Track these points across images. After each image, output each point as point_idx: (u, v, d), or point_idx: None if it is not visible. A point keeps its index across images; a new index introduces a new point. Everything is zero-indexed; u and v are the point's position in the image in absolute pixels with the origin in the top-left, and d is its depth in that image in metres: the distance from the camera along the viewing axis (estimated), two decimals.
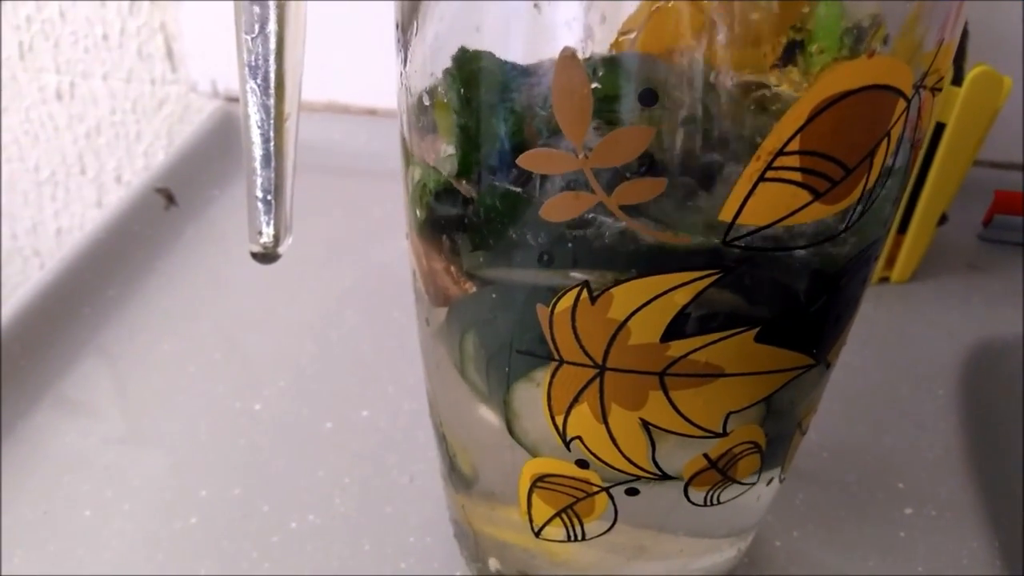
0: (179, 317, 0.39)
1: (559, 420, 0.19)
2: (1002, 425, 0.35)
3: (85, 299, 0.39)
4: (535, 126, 0.16)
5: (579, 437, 0.19)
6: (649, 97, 0.15)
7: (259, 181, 0.19)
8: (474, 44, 0.16)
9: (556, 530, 0.22)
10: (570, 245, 0.17)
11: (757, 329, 0.18)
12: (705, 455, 0.20)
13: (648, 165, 0.15)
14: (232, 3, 0.17)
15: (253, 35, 0.17)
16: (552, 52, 0.15)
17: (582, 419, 0.19)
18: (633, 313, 0.17)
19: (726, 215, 0.16)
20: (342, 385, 0.36)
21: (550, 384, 0.19)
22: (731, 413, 0.19)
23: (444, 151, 0.18)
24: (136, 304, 0.40)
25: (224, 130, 0.53)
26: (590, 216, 0.16)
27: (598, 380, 0.18)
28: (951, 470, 0.32)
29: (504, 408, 0.20)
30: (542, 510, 0.22)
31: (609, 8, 0.15)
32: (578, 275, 0.17)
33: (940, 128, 0.38)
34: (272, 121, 0.18)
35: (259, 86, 0.18)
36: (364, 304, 0.40)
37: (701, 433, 0.19)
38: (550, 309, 0.17)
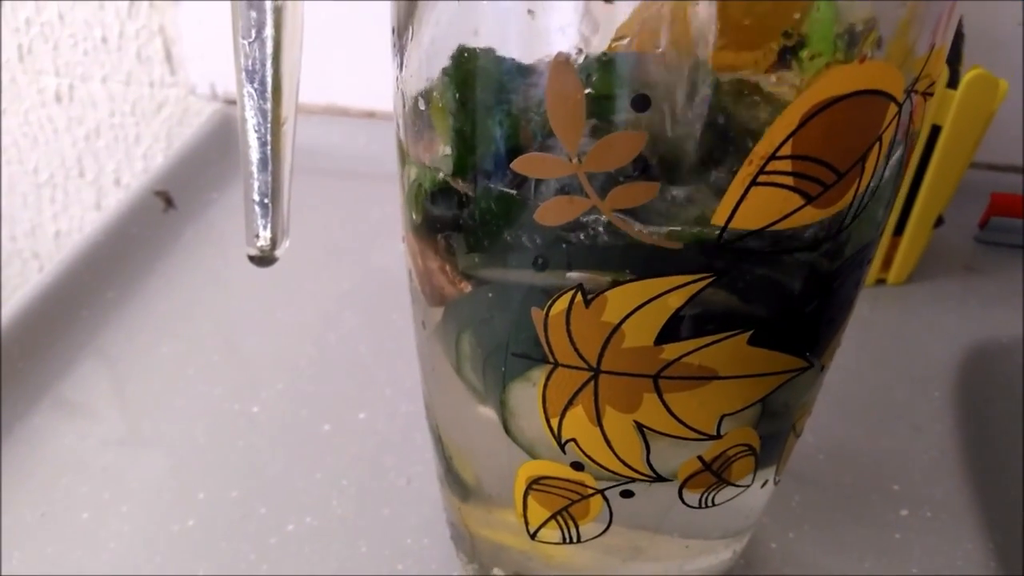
0: (178, 319, 0.39)
1: (554, 423, 0.19)
2: (998, 427, 0.35)
3: (84, 301, 0.39)
4: (531, 129, 0.16)
5: (574, 439, 0.19)
6: (642, 103, 0.15)
7: (256, 185, 0.19)
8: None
9: (552, 532, 0.22)
10: (564, 247, 0.17)
11: (751, 332, 0.18)
12: (699, 457, 0.20)
13: (641, 169, 0.16)
14: (230, 7, 0.17)
15: (250, 40, 0.17)
16: (547, 57, 0.15)
17: (577, 422, 0.19)
18: (627, 316, 0.17)
19: (719, 219, 0.16)
20: (340, 387, 0.36)
21: (545, 387, 0.19)
22: (725, 415, 0.19)
23: (441, 151, 0.18)
24: (135, 306, 0.40)
25: (223, 133, 0.53)
26: (584, 219, 0.16)
27: (592, 383, 0.18)
28: (947, 472, 0.33)
29: (500, 407, 0.20)
30: (538, 512, 0.22)
31: (603, 14, 0.15)
32: (573, 276, 0.17)
33: (936, 131, 0.38)
34: (269, 125, 0.18)
35: (256, 90, 0.18)
36: (362, 307, 0.40)
37: (695, 435, 0.19)
38: (545, 312, 0.17)
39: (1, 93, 0.58)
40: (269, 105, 0.18)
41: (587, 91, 0.15)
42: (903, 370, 0.37)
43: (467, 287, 0.19)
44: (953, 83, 0.37)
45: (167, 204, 0.46)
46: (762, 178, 0.15)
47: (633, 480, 0.20)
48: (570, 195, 0.16)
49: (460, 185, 0.17)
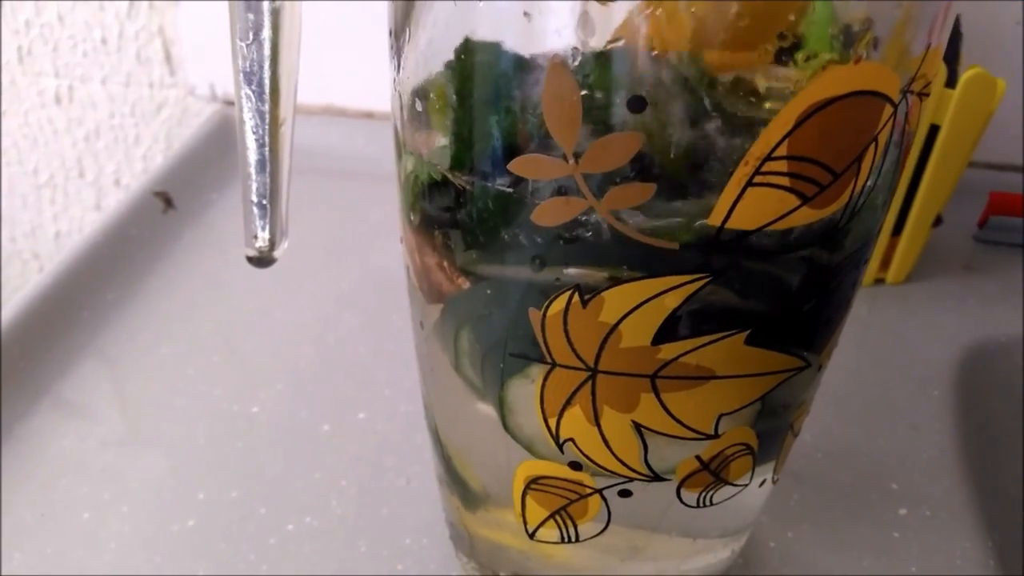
0: (177, 320, 0.39)
1: (552, 422, 0.19)
2: (997, 426, 0.35)
3: (84, 302, 0.39)
4: (529, 126, 0.16)
5: (572, 439, 0.20)
6: (638, 104, 0.15)
7: (254, 186, 0.19)
8: None
9: (550, 532, 0.22)
10: (562, 246, 0.17)
11: (748, 332, 0.18)
12: (697, 457, 0.20)
13: (638, 170, 0.16)
14: (228, 9, 0.17)
15: (248, 41, 0.17)
16: (548, 52, 0.15)
17: (575, 421, 0.19)
18: (624, 316, 0.17)
19: (715, 219, 0.16)
20: (340, 388, 0.36)
21: (543, 387, 0.19)
22: (723, 415, 0.19)
23: (438, 143, 0.18)
24: (135, 307, 0.40)
25: (222, 133, 0.53)
26: (581, 220, 0.16)
27: (590, 383, 0.18)
28: (945, 471, 0.33)
29: (499, 403, 0.20)
30: (536, 512, 0.22)
31: (599, 16, 0.15)
32: (571, 273, 0.17)
33: (934, 130, 0.38)
34: (267, 127, 0.18)
35: (254, 92, 0.18)
36: (362, 307, 0.40)
37: (693, 435, 0.19)
38: (542, 312, 0.18)
39: (1, 95, 0.58)
40: (267, 107, 0.18)
41: (583, 92, 0.15)
42: (902, 369, 0.37)
43: (465, 283, 0.19)
44: (951, 82, 0.37)
45: (167, 205, 0.47)
46: (758, 179, 0.16)
47: (631, 479, 0.20)
48: (567, 196, 0.16)
49: (457, 179, 0.17)
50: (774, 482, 0.24)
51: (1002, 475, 0.33)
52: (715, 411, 0.19)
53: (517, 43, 0.15)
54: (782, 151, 0.15)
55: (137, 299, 0.40)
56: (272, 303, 0.41)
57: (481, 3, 0.15)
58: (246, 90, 0.18)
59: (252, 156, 0.19)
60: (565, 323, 0.17)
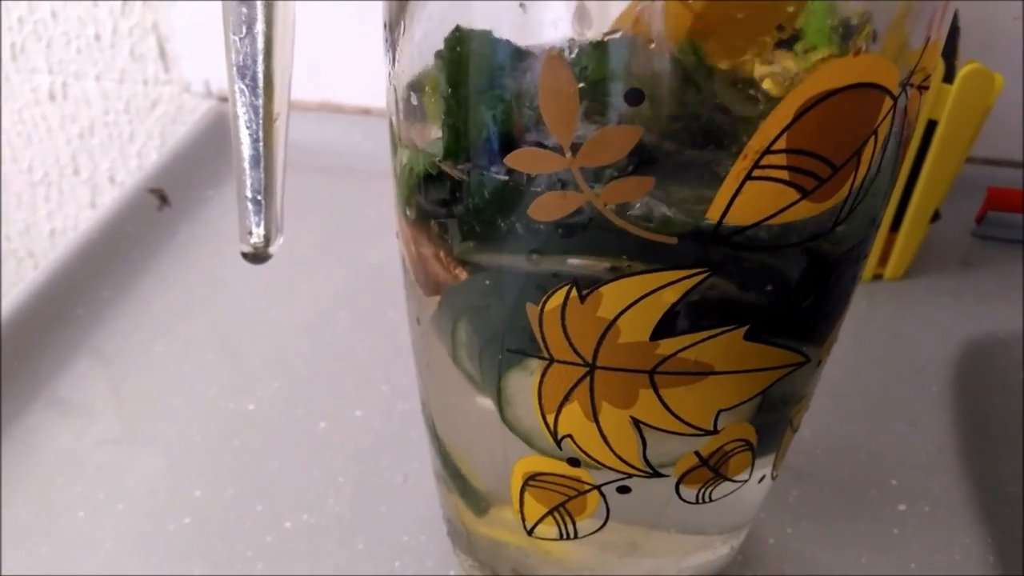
0: (173, 318, 0.39)
1: (550, 419, 0.19)
2: (995, 422, 0.35)
3: (79, 300, 0.39)
4: (523, 118, 0.16)
5: (570, 435, 0.19)
6: (636, 96, 0.15)
7: (248, 182, 0.19)
8: None
9: (548, 528, 0.22)
10: (559, 237, 0.17)
11: (747, 327, 0.18)
12: (696, 453, 0.20)
13: (635, 164, 0.15)
14: (221, 3, 0.17)
15: (241, 36, 0.17)
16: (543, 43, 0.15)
17: (573, 417, 0.19)
18: (622, 312, 0.17)
19: (714, 213, 0.16)
20: (336, 385, 0.36)
21: (540, 383, 0.19)
22: (721, 411, 0.19)
23: (433, 135, 0.18)
24: (130, 305, 0.40)
25: (217, 130, 0.53)
26: (579, 213, 0.16)
27: (588, 379, 0.18)
28: (944, 467, 0.33)
29: (497, 395, 0.20)
30: (534, 508, 0.22)
31: (596, 8, 0.15)
32: (570, 263, 0.17)
33: (932, 125, 0.38)
34: (261, 121, 0.18)
35: (248, 86, 0.18)
36: (358, 304, 0.40)
37: (692, 431, 0.19)
38: (540, 308, 0.17)
39: None
40: (261, 101, 0.18)
41: (580, 85, 0.15)
42: (900, 365, 0.37)
43: (462, 273, 0.19)
44: (949, 78, 0.37)
45: (162, 202, 0.46)
46: (757, 172, 0.15)
47: (630, 476, 0.20)
48: (564, 190, 0.16)
49: (452, 168, 0.17)
50: (773, 478, 0.24)
51: (1001, 471, 0.33)
52: (714, 407, 0.19)
53: (512, 35, 0.15)
54: (781, 144, 0.15)
55: (132, 297, 0.40)
56: (268, 300, 0.40)
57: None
58: (240, 84, 0.18)
59: (246, 151, 0.18)
60: (563, 318, 0.17)
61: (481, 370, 0.20)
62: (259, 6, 0.17)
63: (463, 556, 0.27)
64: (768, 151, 0.15)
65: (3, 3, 0.54)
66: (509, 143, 0.16)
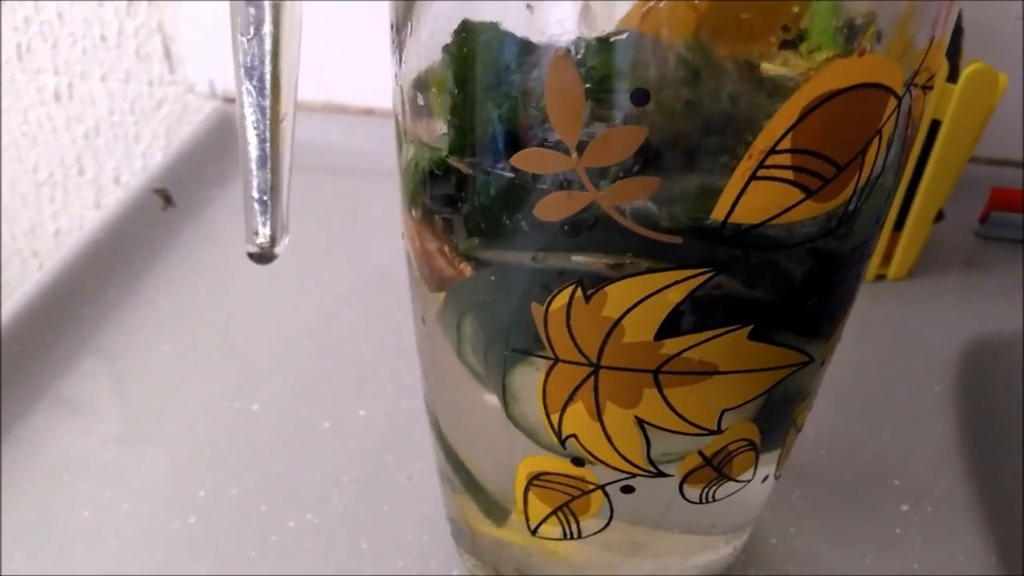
0: (178, 317, 0.39)
1: (554, 418, 0.19)
2: (999, 422, 0.35)
3: (84, 300, 0.39)
4: (529, 115, 0.16)
5: (574, 435, 0.19)
6: (641, 96, 0.15)
7: (255, 182, 0.19)
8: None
9: (552, 528, 0.22)
10: (564, 235, 0.17)
11: (751, 327, 0.18)
12: (700, 452, 0.20)
13: (641, 164, 0.16)
14: (228, 4, 0.17)
15: (249, 36, 0.17)
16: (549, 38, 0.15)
17: (577, 417, 0.19)
18: (627, 312, 0.17)
19: (719, 213, 0.16)
20: (340, 384, 0.36)
21: (545, 382, 0.19)
22: (725, 410, 0.19)
23: (439, 130, 0.18)
24: (135, 304, 0.40)
25: (222, 131, 0.53)
26: (584, 212, 0.16)
27: (593, 378, 0.18)
28: (947, 467, 0.33)
29: (502, 391, 0.20)
30: (538, 508, 0.22)
31: (602, 9, 0.15)
32: (575, 260, 0.17)
33: (936, 125, 0.38)
34: (268, 122, 0.18)
35: (255, 87, 0.18)
36: (362, 304, 0.40)
37: (696, 431, 0.19)
38: (545, 308, 0.17)
39: (0, 92, 0.58)
40: (268, 102, 0.18)
41: (587, 86, 0.15)
42: (903, 365, 0.37)
43: (467, 269, 0.19)
44: (953, 77, 0.37)
45: (166, 202, 0.46)
46: (762, 172, 0.15)
47: (634, 475, 0.20)
48: (569, 190, 0.16)
49: (458, 163, 0.17)
50: (776, 478, 0.24)
51: (1004, 471, 0.33)
52: (718, 406, 0.19)
53: (520, 35, 0.15)
54: (786, 144, 0.15)
55: (137, 296, 0.40)
56: (272, 300, 0.41)
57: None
58: (247, 85, 0.18)
59: (253, 151, 0.19)
60: (568, 318, 0.17)
61: (486, 366, 0.20)
62: (267, 7, 0.17)
63: (466, 556, 0.27)
64: (773, 151, 0.15)
65: (10, 3, 0.55)
66: (515, 139, 0.16)
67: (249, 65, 0.18)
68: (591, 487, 0.21)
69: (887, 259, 0.42)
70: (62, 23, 0.55)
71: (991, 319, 0.40)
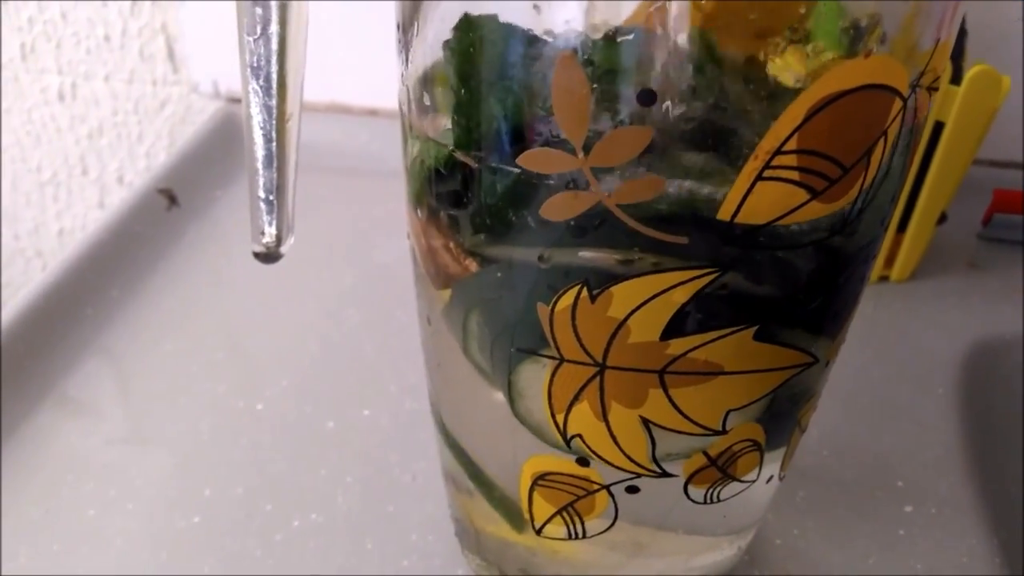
0: (181, 317, 0.39)
1: (560, 418, 0.19)
2: (1002, 423, 0.35)
3: (87, 300, 0.39)
4: (534, 112, 0.16)
5: (579, 435, 0.19)
6: (648, 97, 0.15)
7: (261, 181, 0.19)
8: None
9: (557, 528, 0.22)
10: (570, 234, 0.17)
11: (756, 327, 0.18)
12: (705, 453, 0.20)
13: (647, 164, 0.16)
14: (234, 4, 0.17)
15: (255, 36, 0.17)
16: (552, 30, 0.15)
17: (582, 417, 0.19)
18: (633, 312, 0.17)
19: (725, 214, 0.16)
20: (344, 384, 0.36)
21: (551, 382, 0.19)
22: (731, 411, 0.19)
23: (443, 126, 0.18)
24: (138, 304, 0.40)
25: (226, 131, 0.53)
26: (590, 212, 0.16)
27: (598, 378, 0.18)
28: (951, 468, 0.33)
29: (508, 388, 0.20)
30: (543, 508, 0.22)
31: (607, 9, 0.15)
32: (581, 257, 0.17)
33: (939, 127, 0.38)
34: (274, 122, 0.18)
35: (261, 87, 0.18)
36: (366, 303, 0.40)
37: (701, 431, 0.19)
38: (550, 308, 0.17)
39: (4, 92, 0.58)
40: (274, 102, 0.18)
41: (593, 86, 0.15)
42: (907, 367, 0.37)
43: (472, 265, 0.19)
44: (956, 79, 0.37)
45: (170, 202, 0.47)
46: (768, 173, 0.15)
47: (639, 476, 0.20)
48: (575, 190, 0.16)
49: (464, 156, 0.17)
50: (781, 479, 0.24)
51: (1007, 472, 0.33)
52: (723, 407, 0.19)
53: None
54: (792, 145, 0.15)
55: (141, 296, 0.40)
56: (276, 300, 0.41)
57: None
58: (253, 85, 0.18)
59: (259, 151, 0.19)
60: (573, 318, 0.17)
61: (492, 363, 0.20)
62: (273, 7, 0.17)
63: (471, 555, 0.27)
64: (779, 151, 0.15)
65: (14, 3, 0.55)
66: (519, 135, 0.16)
67: (255, 65, 0.18)
68: (596, 487, 0.21)
69: (890, 261, 0.42)
70: (66, 23, 0.55)
71: (994, 321, 0.40)
